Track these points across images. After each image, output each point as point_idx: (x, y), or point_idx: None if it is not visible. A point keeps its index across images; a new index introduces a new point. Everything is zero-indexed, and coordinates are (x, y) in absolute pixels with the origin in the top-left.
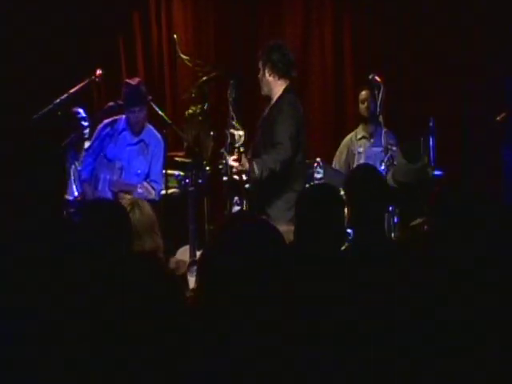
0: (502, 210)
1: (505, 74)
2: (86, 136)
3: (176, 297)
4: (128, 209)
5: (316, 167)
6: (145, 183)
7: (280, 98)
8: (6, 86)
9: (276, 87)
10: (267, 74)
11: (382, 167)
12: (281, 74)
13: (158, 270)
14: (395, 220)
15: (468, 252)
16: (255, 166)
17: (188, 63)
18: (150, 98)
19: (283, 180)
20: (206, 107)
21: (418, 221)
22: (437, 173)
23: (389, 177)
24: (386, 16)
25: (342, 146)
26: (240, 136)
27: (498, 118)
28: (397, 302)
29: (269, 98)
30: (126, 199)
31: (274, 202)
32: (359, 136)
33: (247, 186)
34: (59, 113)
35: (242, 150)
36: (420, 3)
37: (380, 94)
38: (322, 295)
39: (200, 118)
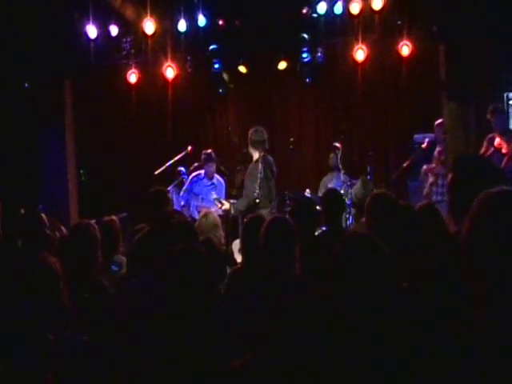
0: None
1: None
2: (185, 181)
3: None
4: (201, 216)
5: (308, 193)
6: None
7: (254, 162)
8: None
9: (255, 155)
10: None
11: (342, 191)
12: (257, 147)
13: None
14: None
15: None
16: (231, 208)
17: (236, 141)
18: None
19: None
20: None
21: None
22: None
23: (351, 196)
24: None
25: (321, 182)
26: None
27: (404, 165)
28: None
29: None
30: (203, 211)
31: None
32: (329, 177)
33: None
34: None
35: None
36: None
37: (339, 154)
38: None
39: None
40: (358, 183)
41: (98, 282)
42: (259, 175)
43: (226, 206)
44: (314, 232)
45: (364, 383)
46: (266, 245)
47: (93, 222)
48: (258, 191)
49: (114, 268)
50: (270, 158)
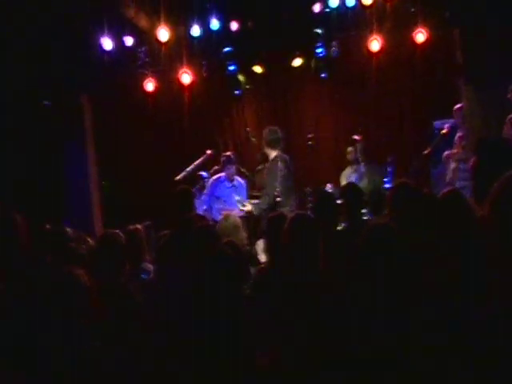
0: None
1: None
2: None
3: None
4: (221, 219)
5: (330, 187)
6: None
7: (271, 161)
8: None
9: (271, 154)
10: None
11: (361, 184)
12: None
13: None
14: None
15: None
16: (254, 209)
17: (255, 141)
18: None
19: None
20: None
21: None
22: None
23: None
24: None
25: (342, 176)
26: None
27: (425, 152)
28: None
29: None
30: (223, 214)
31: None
32: (349, 171)
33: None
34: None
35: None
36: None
37: (359, 146)
38: None
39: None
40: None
41: (126, 291)
42: (279, 173)
43: (249, 207)
44: (337, 226)
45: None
46: (290, 242)
47: (118, 231)
48: (278, 189)
49: (144, 276)
50: (287, 157)
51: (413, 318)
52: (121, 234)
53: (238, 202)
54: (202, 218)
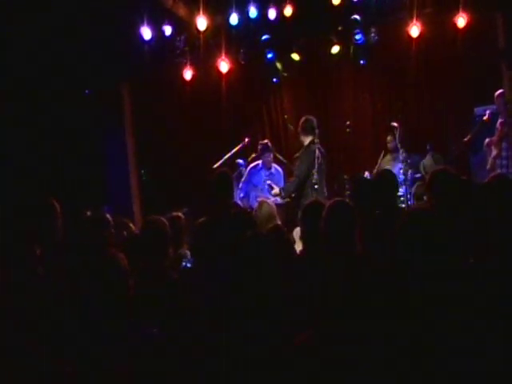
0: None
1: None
2: (244, 173)
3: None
4: (256, 207)
5: (368, 175)
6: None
7: (306, 147)
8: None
9: (306, 140)
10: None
11: (402, 172)
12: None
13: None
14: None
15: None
16: (282, 192)
17: (292, 129)
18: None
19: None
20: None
21: None
22: None
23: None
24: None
25: (380, 163)
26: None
27: (466, 139)
28: None
29: (302, 144)
30: (258, 202)
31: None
32: (387, 159)
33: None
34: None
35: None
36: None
37: (397, 133)
38: None
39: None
40: (428, 157)
41: (169, 277)
42: (316, 160)
43: (276, 190)
44: (375, 213)
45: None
46: (328, 230)
47: (161, 217)
48: (316, 177)
49: (184, 263)
50: (319, 145)
51: (450, 306)
52: (164, 221)
53: (268, 185)
54: (238, 205)
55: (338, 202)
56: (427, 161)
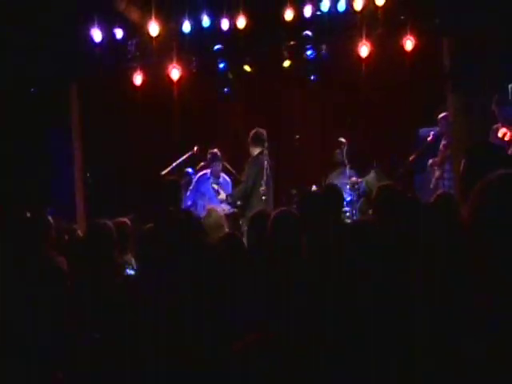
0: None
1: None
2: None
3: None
4: (205, 215)
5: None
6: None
7: (254, 157)
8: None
9: (254, 151)
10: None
11: (348, 187)
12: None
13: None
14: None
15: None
16: (228, 198)
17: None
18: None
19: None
20: None
21: None
22: None
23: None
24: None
25: (327, 179)
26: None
27: (410, 158)
28: None
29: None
30: (207, 210)
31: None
32: (335, 173)
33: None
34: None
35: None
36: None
37: (344, 149)
38: None
39: None
40: (372, 174)
41: (112, 283)
42: (265, 171)
43: (223, 195)
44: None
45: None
46: (273, 238)
47: (107, 222)
48: (264, 188)
49: (128, 271)
50: (267, 156)
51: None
52: (110, 225)
53: (215, 190)
54: (188, 211)
55: (283, 212)
56: (371, 177)
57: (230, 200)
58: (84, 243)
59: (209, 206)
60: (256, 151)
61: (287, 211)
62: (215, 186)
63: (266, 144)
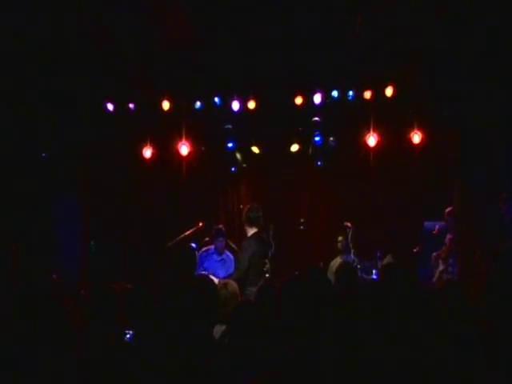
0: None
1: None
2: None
3: None
4: (220, 287)
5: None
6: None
7: (248, 238)
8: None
9: (249, 231)
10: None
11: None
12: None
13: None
14: None
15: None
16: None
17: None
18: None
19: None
20: None
21: None
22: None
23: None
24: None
25: (329, 267)
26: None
27: (415, 250)
28: None
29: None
30: (222, 282)
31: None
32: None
33: None
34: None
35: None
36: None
37: (350, 233)
38: None
39: None
40: (388, 257)
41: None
42: (270, 250)
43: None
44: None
45: None
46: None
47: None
48: (268, 266)
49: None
50: (264, 236)
51: None
52: (115, 289)
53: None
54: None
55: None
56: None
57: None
58: (90, 303)
59: (223, 280)
60: (251, 231)
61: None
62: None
63: (262, 222)
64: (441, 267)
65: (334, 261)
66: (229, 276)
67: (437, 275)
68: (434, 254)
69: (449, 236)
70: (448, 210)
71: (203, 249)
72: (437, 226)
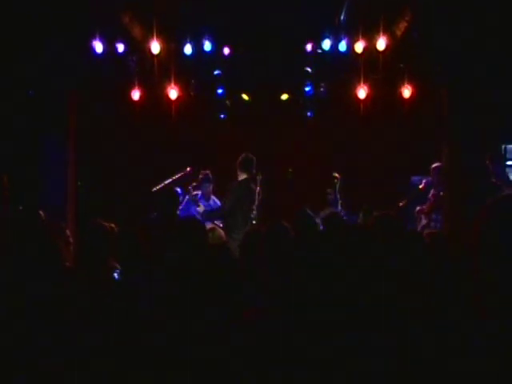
0: None
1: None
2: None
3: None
4: (208, 230)
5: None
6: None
7: (238, 183)
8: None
9: (241, 176)
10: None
11: None
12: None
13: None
14: None
15: None
16: (204, 214)
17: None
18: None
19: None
20: None
21: None
22: None
23: None
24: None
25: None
26: None
27: (400, 204)
28: None
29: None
30: (209, 227)
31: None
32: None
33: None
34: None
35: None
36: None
37: (338, 184)
38: None
39: None
40: (360, 215)
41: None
42: (257, 197)
43: (201, 208)
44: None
45: None
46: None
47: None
48: (255, 212)
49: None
50: (253, 184)
51: None
52: (109, 226)
53: (194, 199)
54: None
55: (277, 224)
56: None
57: (203, 217)
58: (84, 241)
59: (211, 225)
60: (242, 177)
61: (280, 223)
62: (195, 192)
63: (254, 171)
64: (423, 222)
65: (322, 212)
66: (213, 211)
67: (419, 230)
68: (418, 208)
69: (433, 192)
70: (434, 165)
71: (193, 193)
72: (424, 181)
